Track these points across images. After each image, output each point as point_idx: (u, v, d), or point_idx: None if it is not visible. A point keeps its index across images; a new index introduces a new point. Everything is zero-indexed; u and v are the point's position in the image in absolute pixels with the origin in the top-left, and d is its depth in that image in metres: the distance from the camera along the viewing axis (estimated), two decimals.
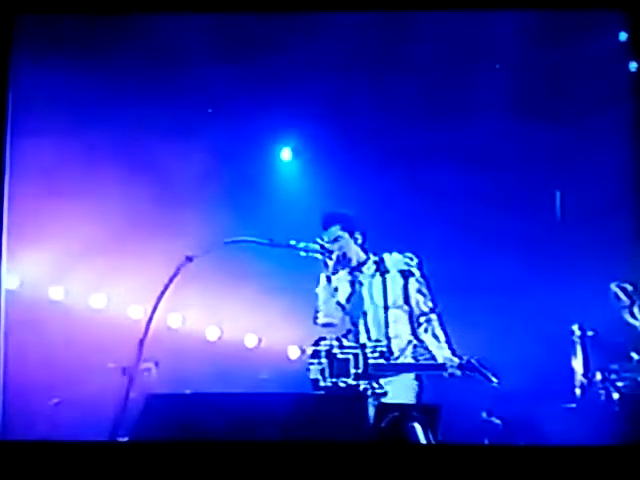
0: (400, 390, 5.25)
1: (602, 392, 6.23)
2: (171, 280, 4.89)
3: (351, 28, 6.68)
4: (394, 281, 5.46)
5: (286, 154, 7.75)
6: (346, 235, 5.51)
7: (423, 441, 4.32)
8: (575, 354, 6.42)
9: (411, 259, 5.50)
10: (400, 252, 5.54)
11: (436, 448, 4.26)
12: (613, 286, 6.40)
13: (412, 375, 5.32)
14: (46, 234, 6.97)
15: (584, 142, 6.87)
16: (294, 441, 3.88)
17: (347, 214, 5.62)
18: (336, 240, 5.49)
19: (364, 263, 5.55)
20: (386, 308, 5.41)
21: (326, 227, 5.53)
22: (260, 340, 7.59)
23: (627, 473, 3.60)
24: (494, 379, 5.25)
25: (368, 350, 5.22)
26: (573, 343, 6.42)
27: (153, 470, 3.69)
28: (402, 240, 5.83)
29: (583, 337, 6.40)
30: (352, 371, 5.18)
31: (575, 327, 6.44)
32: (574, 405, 6.33)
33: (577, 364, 6.40)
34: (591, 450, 3.74)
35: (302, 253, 5.39)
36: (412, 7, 5.67)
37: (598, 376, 6.28)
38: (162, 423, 4.13)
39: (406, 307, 5.46)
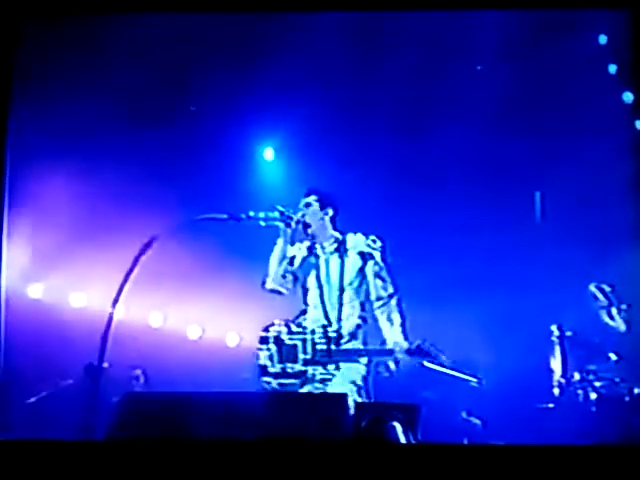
0: (348, 375, 5.28)
1: (580, 392, 6.28)
2: (131, 270, 4.91)
3: (334, 29, 6.72)
4: (353, 262, 5.45)
5: (269, 154, 7.75)
6: (316, 205, 5.51)
7: (403, 440, 4.34)
8: (554, 354, 6.46)
9: (374, 241, 5.47)
10: (365, 234, 5.51)
11: (416, 448, 4.28)
12: (592, 287, 6.45)
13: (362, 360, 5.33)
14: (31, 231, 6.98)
15: (565, 143, 6.91)
16: (274, 440, 3.89)
17: (327, 191, 5.63)
18: (306, 206, 5.51)
19: (326, 239, 5.52)
20: (341, 289, 5.40)
21: (305, 195, 5.56)
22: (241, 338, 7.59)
23: (607, 473, 3.63)
24: (445, 362, 5.25)
25: (317, 336, 5.25)
26: (552, 343, 6.46)
27: (144, 468, 3.69)
28: (376, 228, 5.77)
29: (562, 337, 6.44)
30: (300, 357, 5.22)
31: (554, 327, 6.48)
32: (552, 405, 6.37)
33: (556, 364, 6.44)
34: (568, 450, 3.77)
35: (262, 223, 5.40)
36: (393, 8, 5.72)
37: (576, 376, 6.32)
38: (141, 422, 4.13)
39: (362, 290, 5.44)
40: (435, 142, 7.08)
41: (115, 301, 5.06)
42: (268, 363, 5.31)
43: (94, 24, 6.42)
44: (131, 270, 5.01)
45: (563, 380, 6.35)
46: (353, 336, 5.39)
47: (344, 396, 4.66)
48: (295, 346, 5.26)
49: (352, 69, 7.10)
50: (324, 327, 5.31)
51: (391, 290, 5.44)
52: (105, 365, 5.25)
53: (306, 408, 4.23)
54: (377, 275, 5.43)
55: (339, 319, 5.36)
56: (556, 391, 6.38)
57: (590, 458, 3.64)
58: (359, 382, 5.32)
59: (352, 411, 4.49)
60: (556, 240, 6.86)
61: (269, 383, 5.28)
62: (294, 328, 5.37)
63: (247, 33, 6.94)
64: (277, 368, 5.30)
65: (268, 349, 5.29)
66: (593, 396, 6.19)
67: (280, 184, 7.47)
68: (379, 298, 5.42)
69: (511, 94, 6.90)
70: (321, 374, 5.25)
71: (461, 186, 7.10)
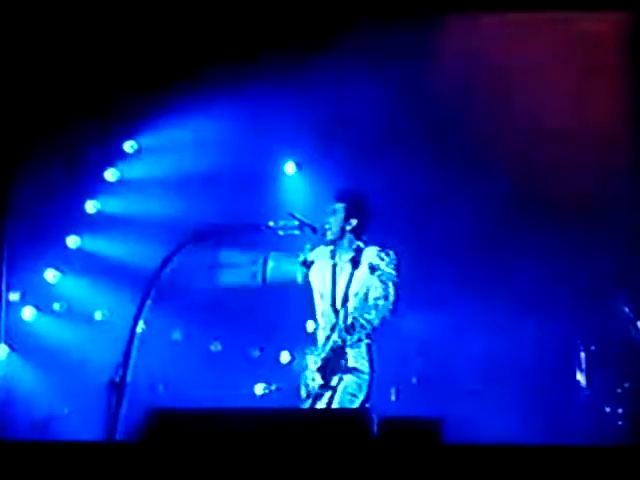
0: (347, 387, 5.25)
1: (607, 406, 6.22)
2: (152, 284, 4.92)
3: (353, 44, 6.75)
4: (362, 273, 5.38)
5: (290, 168, 7.76)
6: (341, 214, 5.46)
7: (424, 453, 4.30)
8: (580, 368, 6.40)
9: (387, 254, 5.37)
10: (381, 246, 5.43)
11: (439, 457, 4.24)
12: (617, 300, 6.39)
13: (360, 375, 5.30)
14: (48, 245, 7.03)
15: (582, 152, 6.85)
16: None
17: (358, 199, 5.55)
18: (332, 213, 5.49)
19: (346, 249, 5.47)
20: (346, 298, 5.35)
21: (335, 199, 5.52)
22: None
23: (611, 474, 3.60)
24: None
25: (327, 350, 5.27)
26: (577, 358, 6.40)
27: (144, 469, 3.68)
28: (395, 242, 5.72)
29: (587, 351, 6.39)
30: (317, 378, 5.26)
31: (579, 342, 6.43)
32: (579, 420, 6.31)
33: (582, 379, 6.38)
34: (570, 450, 3.73)
35: (281, 232, 5.38)
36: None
37: (603, 390, 6.26)
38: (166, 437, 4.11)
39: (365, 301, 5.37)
40: (457, 154, 7.08)
41: (137, 316, 5.06)
42: (303, 394, 5.35)
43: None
44: (152, 284, 5.00)
45: (589, 394, 6.30)
46: (345, 342, 5.31)
47: (367, 412, 4.61)
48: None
49: (374, 83, 7.11)
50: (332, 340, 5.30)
51: (386, 292, 5.31)
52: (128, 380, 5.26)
53: (325, 426, 4.19)
54: (378, 281, 5.32)
55: (343, 329, 5.32)
56: (582, 405, 6.32)
57: (591, 458, 3.61)
58: (358, 394, 5.27)
59: (374, 425, 4.46)
60: (582, 253, 6.79)
61: None
62: (309, 352, 5.39)
63: (268, 48, 6.98)
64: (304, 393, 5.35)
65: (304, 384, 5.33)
66: (620, 410, 6.13)
67: (301, 198, 7.46)
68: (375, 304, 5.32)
69: None
70: (320, 387, 5.25)
71: (484, 197, 7.06)
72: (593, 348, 6.40)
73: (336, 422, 4.14)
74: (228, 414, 4.11)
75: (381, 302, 5.30)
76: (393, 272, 5.35)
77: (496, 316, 6.72)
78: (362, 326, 5.27)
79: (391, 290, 5.32)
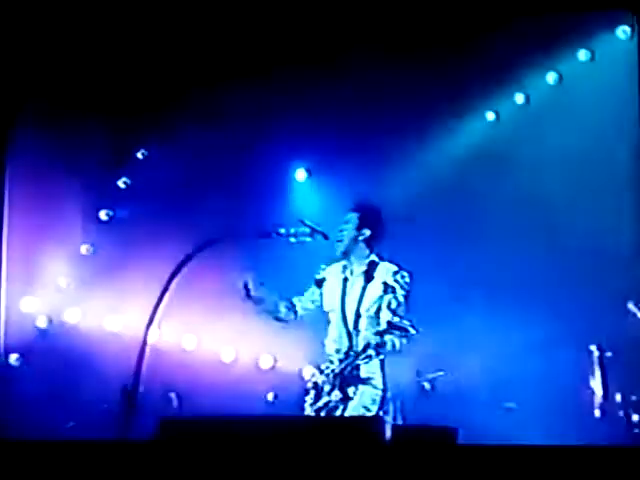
0: (362, 400, 5.21)
1: (621, 413, 6.17)
2: (164, 292, 4.90)
3: (365, 53, 6.75)
4: (374, 290, 5.32)
5: (301, 175, 7.74)
6: (354, 224, 5.42)
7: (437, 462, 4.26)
8: (594, 375, 6.35)
9: (402, 277, 5.30)
10: (397, 265, 5.37)
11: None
12: (631, 305, 6.35)
13: (375, 386, 5.26)
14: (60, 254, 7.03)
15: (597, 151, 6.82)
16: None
17: (373, 209, 5.51)
18: (345, 223, 5.45)
19: (359, 261, 5.42)
20: (358, 315, 5.31)
21: (350, 209, 5.49)
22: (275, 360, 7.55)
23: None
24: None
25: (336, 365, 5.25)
26: (592, 364, 6.36)
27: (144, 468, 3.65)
28: (406, 252, 5.70)
29: (602, 358, 6.34)
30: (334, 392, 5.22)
31: (594, 347, 6.38)
32: (593, 427, 6.26)
33: (596, 385, 6.33)
34: (571, 450, 3.70)
35: (292, 239, 5.33)
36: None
37: (617, 397, 6.21)
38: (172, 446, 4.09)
39: (376, 320, 5.29)
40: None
41: (149, 324, 5.04)
42: (317, 405, 5.32)
43: None
44: (164, 293, 4.98)
45: (604, 401, 6.25)
46: (381, 347, 5.26)
47: (381, 420, 4.57)
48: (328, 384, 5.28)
49: (385, 92, 7.10)
50: (345, 354, 5.28)
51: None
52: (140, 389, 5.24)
53: (337, 434, 4.16)
54: (392, 310, 5.27)
55: (356, 345, 5.28)
56: (597, 412, 6.27)
57: (592, 459, 3.58)
58: (372, 407, 5.23)
59: (388, 433, 4.42)
60: (594, 257, 6.74)
61: None
62: (323, 367, 5.34)
63: (279, 56, 6.98)
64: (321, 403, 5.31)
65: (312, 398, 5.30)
66: (635, 417, 6.07)
67: (312, 205, 7.45)
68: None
69: None
70: (336, 398, 5.21)
71: (498, 204, 7.02)
72: (609, 354, 6.35)
73: (349, 429, 4.12)
74: (240, 421, 4.09)
75: (407, 322, 5.22)
76: (405, 292, 5.31)
77: (508, 320, 6.70)
78: (399, 327, 5.20)
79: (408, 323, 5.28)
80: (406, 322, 5.11)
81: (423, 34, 6.75)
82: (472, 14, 6.53)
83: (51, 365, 6.95)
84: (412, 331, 5.07)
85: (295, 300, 5.53)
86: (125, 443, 4.17)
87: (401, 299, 5.27)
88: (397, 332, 5.12)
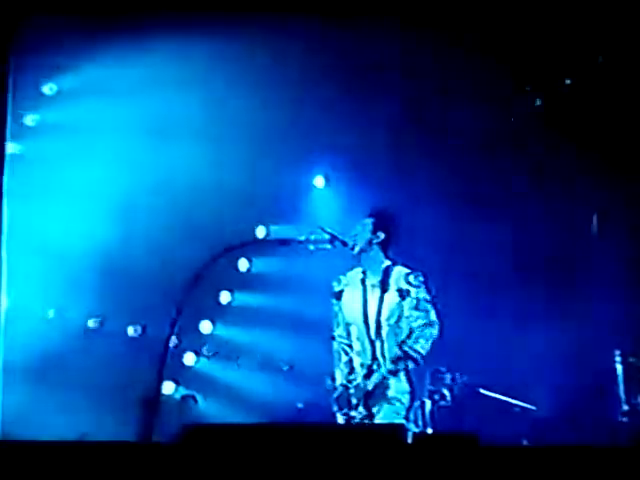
0: (386, 416, 5.19)
1: None
2: (184, 299, 4.90)
3: (381, 58, 6.75)
4: (392, 297, 5.31)
5: (319, 181, 7.74)
6: (369, 228, 5.39)
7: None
8: (617, 381, 6.30)
9: (415, 277, 5.31)
10: (409, 267, 5.36)
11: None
12: None
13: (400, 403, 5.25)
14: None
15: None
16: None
17: (388, 214, 5.50)
18: (361, 226, 5.43)
19: (374, 266, 5.41)
20: (379, 325, 5.29)
21: (365, 214, 5.50)
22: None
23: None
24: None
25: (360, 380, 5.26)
26: (615, 369, 6.31)
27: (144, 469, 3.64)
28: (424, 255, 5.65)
29: (625, 363, 6.29)
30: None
31: (617, 353, 6.34)
32: (618, 432, 6.21)
33: (620, 391, 6.28)
34: (573, 450, 3.67)
35: (311, 247, 5.31)
36: None
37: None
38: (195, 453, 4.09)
39: (400, 327, 5.29)
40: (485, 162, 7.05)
41: (170, 332, 5.04)
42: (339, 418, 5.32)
43: None
44: (184, 299, 4.99)
45: (628, 407, 6.20)
46: (394, 374, 5.26)
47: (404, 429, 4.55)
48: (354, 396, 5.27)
49: (403, 97, 7.10)
50: (368, 368, 5.27)
51: (428, 320, 5.28)
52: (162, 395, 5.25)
53: (360, 442, 4.15)
54: (413, 308, 5.28)
55: (381, 356, 5.27)
56: (621, 417, 6.23)
57: (594, 459, 3.55)
58: (395, 419, 5.20)
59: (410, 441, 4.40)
60: (616, 261, 6.70)
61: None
62: (349, 379, 5.33)
63: (297, 61, 6.99)
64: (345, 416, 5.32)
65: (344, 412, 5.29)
66: None
67: (331, 211, 7.44)
68: (412, 331, 5.28)
69: None
70: (360, 415, 5.19)
71: (520, 205, 7.00)
72: (632, 360, 6.30)
73: (372, 436, 4.10)
74: (265, 429, 4.08)
75: (428, 331, 5.25)
76: (427, 296, 5.31)
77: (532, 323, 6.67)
78: (411, 357, 5.21)
79: (433, 317, 5.29)
80: (419, 350, 5.19)
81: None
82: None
83: (72, 371, 6.98)
84: (421, 362, 5.21)
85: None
86: (146, 447, 4.16)
87: (420, 295, 5.28)
88: (410, 361, 5.21)
